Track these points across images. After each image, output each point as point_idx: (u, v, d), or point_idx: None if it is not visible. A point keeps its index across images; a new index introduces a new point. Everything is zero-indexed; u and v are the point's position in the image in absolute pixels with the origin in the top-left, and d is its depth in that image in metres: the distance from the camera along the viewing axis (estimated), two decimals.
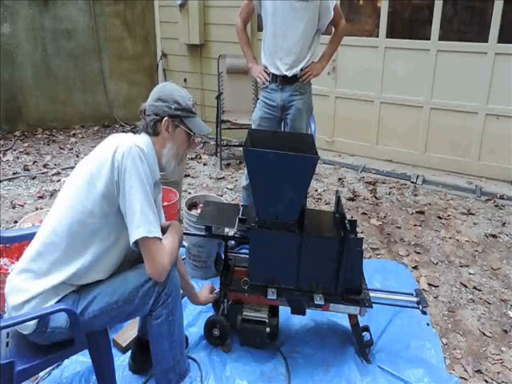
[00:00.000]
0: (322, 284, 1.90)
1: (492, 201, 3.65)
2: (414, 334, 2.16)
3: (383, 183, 4.02)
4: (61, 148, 4.83)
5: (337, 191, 2.19)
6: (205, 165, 4.47)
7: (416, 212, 3.47)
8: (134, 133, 1.67)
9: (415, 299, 2.00)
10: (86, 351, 1.60)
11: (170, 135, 1.61)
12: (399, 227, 3.26)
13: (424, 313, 1.96)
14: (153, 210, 1.48)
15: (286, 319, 2.21)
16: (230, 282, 2.01)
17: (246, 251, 2.08)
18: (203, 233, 2.11)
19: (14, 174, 4.07)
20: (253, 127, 2.77)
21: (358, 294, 1.91)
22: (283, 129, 2.84)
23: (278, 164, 1.76)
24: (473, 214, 3.44)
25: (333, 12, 2.61)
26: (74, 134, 5.29)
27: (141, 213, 1.44)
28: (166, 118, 1.58)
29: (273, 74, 2.66)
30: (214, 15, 4.89)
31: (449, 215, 3.43)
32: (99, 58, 5.48)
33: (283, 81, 2.65)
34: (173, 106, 1.58)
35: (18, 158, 4.47)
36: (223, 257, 2.09)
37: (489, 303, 2.44)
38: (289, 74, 2.62)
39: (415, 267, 2.76)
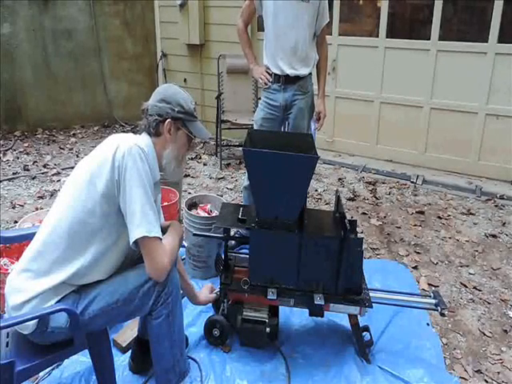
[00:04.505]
0: (322, 284, 1.90)
1: (492, 201, 3.65)
2: (414, 333, 2.16)
3: (383, 183, 4.02)
4: (61, 148, 4.83)
5: (337, 191, 2.19)
6: (205, 165, 4.47)
7: (416, 212, 3.47)
8: (134, 133, 1.67)
9: (433, 301, 1.99)
10: (86, 351, 1.60)
11: (172, 137, 1.62)
12: (399, 227, 3.26)
13: (443, 315, 1.96)
14: (153, 209, 1.48)
15: (286, 319, 2.21)
16: (230, 282, 2.01)
17: (246, 251, 2.08)
18: (206, 233, 2.17)
19: (14, 173, 4.07)
20: (255, 127, 2.77)
21: (358, 294, 1.91)
22: (285, 128, 2.85)
23: (277, 164, 1.76)
24: (473, 214, 3.45)
25: (328, 16, 2.68)
26: (74, 134, 5.29)
27: (141, 212, 1.44)
28: (168, 120, 1.59)
29: (275, 74, 2.66)
30: (214, 15, 4.88)
31: (449, 215, 3.43)
32: (99, 58, 5.49)
33: (285, 81, 2.65)
34: (176, 109, 1.59)
35: (18, 158, 4.47)
36: (223, 257, 2.09)
37: (489, 303, 2.44)
38: (291, 73, 2.62)
39: (415, 267, 2.76)
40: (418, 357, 2.02)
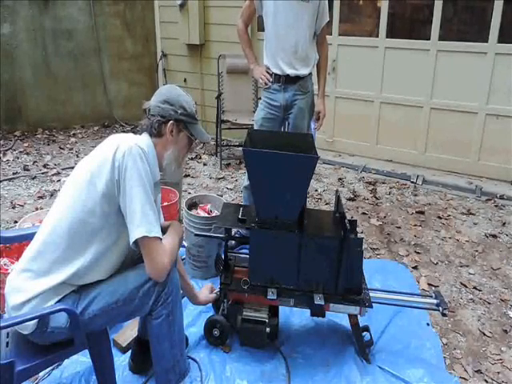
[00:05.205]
0: (322, 284, 1.90)
1: (492, 201, 3.65)
2: (414, 333, 2.16)
3: (383, 183, 4.02)
4: (61, 148, 4.83)
5: (337, 191, 2.19)
6: (205, 165, 4.47)
7: (416, 212, 3.47)
8: (135, 133, 1.68)
9: (435, 301, 1.99)
10: (86, 351, 1.60)
11: (174, 139, 1.62)
12: (399, 227, 3.26)
13: (444, 315, 1.96)
14: (153, 209, 1.48)
15: (286, 319, 2.21)
16: (230, 282, 2.01)
17: (246, 251, 2.08)
18: (206, 233, 2.19)
19: (14, 173, 4.07)
20: (255, 127, 2.77)
21: (358, 294, 1.91)
22: (285, 128, 2.85)
23: (277, 164, 1.76)
24: (473, 214, 3.45)
25: (328, 15, 2.68)
26: (74, 134, 5.29)
27: (141, 212, 1.44)
28: (171, 122, 1.59)
29: (275, 74, 2.66)
30: (214, 15, 4.88)
31: (449, 215, 3.43)
32: (99, 58, 5.48)
33: (286, 81, 2.65)
34: (179, 111, 1.60)
35: (18, 158, 4.47)
36: (223, 257, 2.09)
37: (489, 303, 2.44)
38: (291, 73, 2.63)
39: (415, 267, 2.76)
40: (417, 357, 2.02)
